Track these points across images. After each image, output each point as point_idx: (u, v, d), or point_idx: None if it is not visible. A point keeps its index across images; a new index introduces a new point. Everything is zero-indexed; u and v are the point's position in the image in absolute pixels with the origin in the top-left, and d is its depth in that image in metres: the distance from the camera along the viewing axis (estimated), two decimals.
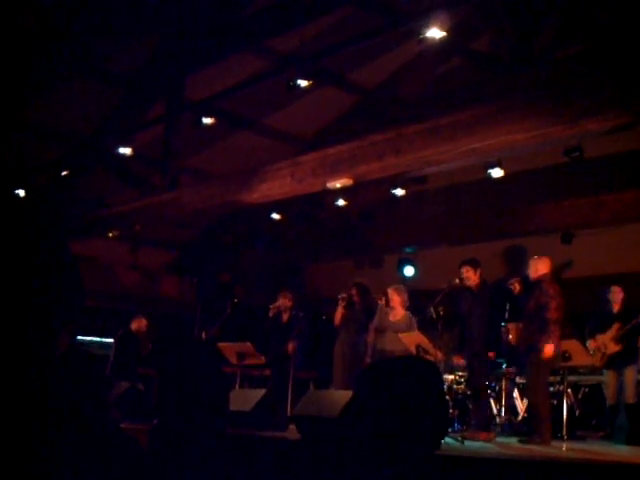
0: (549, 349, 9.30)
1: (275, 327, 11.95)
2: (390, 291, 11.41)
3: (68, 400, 2.69)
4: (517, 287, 9.78)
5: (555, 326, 9.43)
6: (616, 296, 11.06)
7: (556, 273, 10.30)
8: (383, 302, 11.54)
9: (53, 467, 2.52)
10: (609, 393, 10.93)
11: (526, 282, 9.85)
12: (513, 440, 9.97)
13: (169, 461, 2.77)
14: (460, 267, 10.28)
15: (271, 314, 12.03)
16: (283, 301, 11.98)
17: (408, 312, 11.32)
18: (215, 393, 3.04)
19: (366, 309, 11.49)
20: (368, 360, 11.33)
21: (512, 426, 11.43)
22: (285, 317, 11.95)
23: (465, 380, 11.16)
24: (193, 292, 18.17)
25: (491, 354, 10.01)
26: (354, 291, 11.58)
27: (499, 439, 10.21)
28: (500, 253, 14.78)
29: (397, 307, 11.29)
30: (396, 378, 2.59)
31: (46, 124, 14.14)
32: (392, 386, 2.58)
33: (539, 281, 9.65)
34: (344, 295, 11.58)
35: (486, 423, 10.12)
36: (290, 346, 11.58)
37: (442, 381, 2.85)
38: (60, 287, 2.63)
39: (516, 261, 11.94)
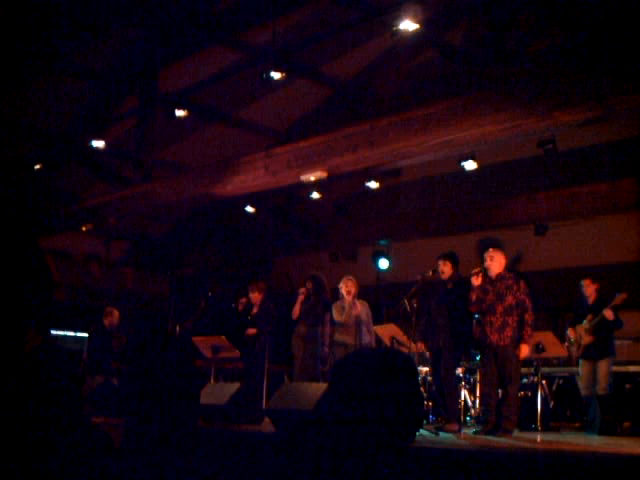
0: (525, 350, 9.40)
1: (246, 320, 11.92)
2: (349, 282, 11.31)
3: (40, 395, 2.67)
4: (479, 279, 9.72)
5: (531, 327, 9.50)
6: (588, 289, 11.10)
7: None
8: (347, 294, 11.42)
9: (25, 460, 2.50)
10: (582, 384, 10.98)
11: (485, 274, 9.79)
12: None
13: (143, 455, 2.75)
14: (437, 260, 10.27)
15: (241, 308, 11.99)
16: (252, 294, 11.95)
17: (364, 303, 11.32)
18: (186, 388, 3.02)
19: (322, 301, 11.48)
20: (326, 350, 11.35)
21: (486, 418, 11.45)
22: (255, 310, 11.92)
23: (431, 373, 11.11)
24: (166, 286, 18.12)
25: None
26: (309, 284, 11.56)
27: (474, 431, 10.22)
28: (474, 246, 14.83)
29: (354, 297, 11.27)
30: (371, 370, 2.58)
31: (18, 119, 14.05)
32: (367, 378, 2.57)
33: (508, 276, 9.63)
34: (303, 289, 11.56)
35: (455, 415, 10.14)
36: (250, 331, 11.59)
37: (417, 373, 2.85)
38: (29, 282, 2.60)
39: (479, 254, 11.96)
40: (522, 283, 9.52)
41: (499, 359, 9.50)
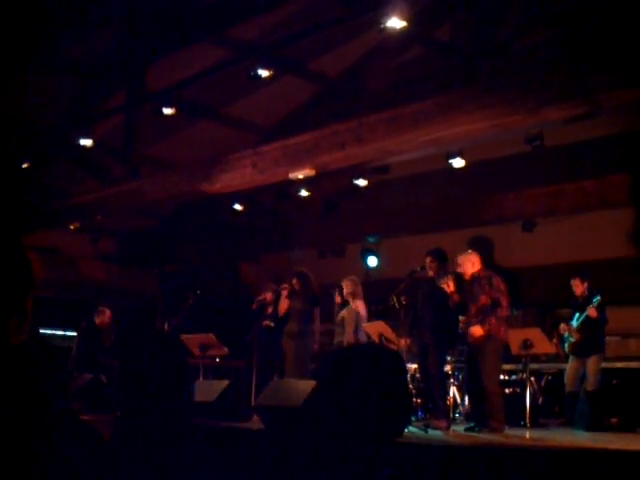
0: (477, 330, 9.40)
1: (260, 319, 11.91)
2: (343, 283, 11.47)
3: (27, 391, 2.66)
4: (451, 285, 9.76)
5: (504, 322, 9.55)
6: (577, 288, 11.15)
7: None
8: (338, 297, 11.54)
9: (14, 457, 2.49)
10: (568, 380, 11.01)
11: (459, 279, 9.83)
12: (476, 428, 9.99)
13: (131, 451, 2.75)
14: (425, 257, 10.29)
15: (255, 307, 12.00)
16: (267, 294, 11.98)
17: (355, 304, 11.32)
18: (178, 384, 3.02)
19: (309, 297, 11.48)
20: (316, 347, 11.42)
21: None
22: (269, 310, 11.93)
23: (419, 369, 11.13)
24: (155, 283, 18.08)
25: None
26: (295, 280, 11.56)
27: (459, 428, 10.24)
28: (462, 242, 14.85)
29: (348, 299, 11.34)
30: (359, 366, 2.58)
31: (5, 115, 13.99)
32: (355, 374, 2.57)
33: (480, 276, 9.66)
34: (285, 285, 11.55)
35: (444, 411, 10.15)
36: (265, 323, 11.68)
37: (405, 370, 2.84)
38: (10, 277, 2.59)
39: (478, 250, 11.98)
40: (496, 281, 9.55)
41: (474, 356, 9.58)
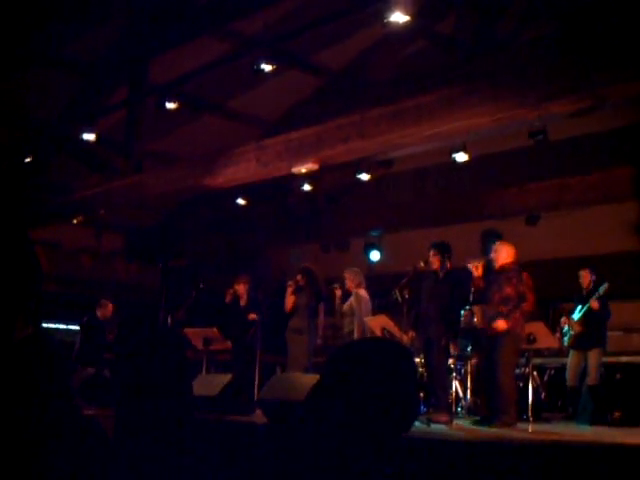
0: (501, 324, 9.27)
1: (234, 312, 11.91)
2: (344, 275, 11.51)
3: (29, 386, 2.65)
4: (479, 270, 9.72)
5: (522, 314, 9.50)
6: (582, 279, 11.15)
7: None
8: (339, 290, 11.56)
9: (17, 453, 2.48)
10: (570, 374, 11.00)
11: (488, 265, 9.80)
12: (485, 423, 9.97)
13: (134, 446, 2.74)
14: (429, 250, 10.27)
15: (228, 300, 11.98)
16: (238, 286, 11.94)
17: (355, 293, 11.34)
18: (178, 380, 3.00)
19: (314, 293, 11.48)
20: (320, 342, 11.45)
21: (478, 408, 11.46)
22: (243, 302, 11.91)
23: (422, 363, 11.13)
24: (158, 277, 18.08)
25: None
26: (300, 276, 11.55)
27: (466, 422, 10.23)
28: (465, 236, 14.85)
29: (351, 288, 11.37)
30: (366, 360, 2.57)
31: (8, 110, 13.99)
32: (361, 369, 2.55)
33: (510, 268, 9.60)
34: (291, 282, 11.56)
35: (446, 405, 10.14)
36: (251, 316, 11.62)
37: (414, 364, 2.82)
38: (17, 272, 2.58)
39: (481, 244, 12.00)
40: (525, 276, 9.50)
41: (489, 348, 9.52)
